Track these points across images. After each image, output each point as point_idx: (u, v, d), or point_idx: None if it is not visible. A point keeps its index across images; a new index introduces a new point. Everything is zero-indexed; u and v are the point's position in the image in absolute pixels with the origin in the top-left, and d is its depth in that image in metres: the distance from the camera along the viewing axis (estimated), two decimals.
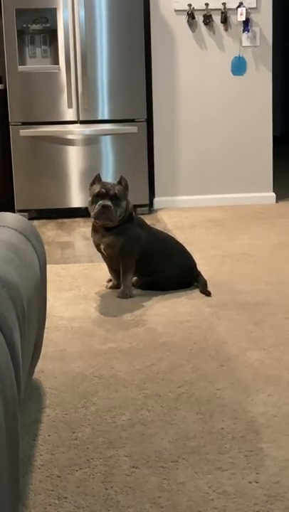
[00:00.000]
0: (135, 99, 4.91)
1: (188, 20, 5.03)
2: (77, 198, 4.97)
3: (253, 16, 5.06)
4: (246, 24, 5.03)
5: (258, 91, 5.16)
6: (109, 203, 3.02)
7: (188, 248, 3.37)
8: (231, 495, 1.65)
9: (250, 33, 5.07)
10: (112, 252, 3.15)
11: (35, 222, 4.78)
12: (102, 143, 4.93)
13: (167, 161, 5.19)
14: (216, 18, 5.04)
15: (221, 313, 2.89)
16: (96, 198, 3.06)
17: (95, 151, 4.94)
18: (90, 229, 3.24)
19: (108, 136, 4.93)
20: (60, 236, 4.45)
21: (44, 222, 4.86)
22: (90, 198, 3.11)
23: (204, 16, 5.02)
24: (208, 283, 3.21)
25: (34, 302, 1.78)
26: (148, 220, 3.77)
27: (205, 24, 5.04)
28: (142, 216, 3.45)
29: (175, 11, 5.03)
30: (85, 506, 1.62)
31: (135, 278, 3.22)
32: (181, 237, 4.01)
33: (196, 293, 3.16)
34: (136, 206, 4.04)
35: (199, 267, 3.32)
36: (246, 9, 5.00)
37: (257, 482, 1.70)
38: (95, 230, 3.18)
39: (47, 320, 2.53)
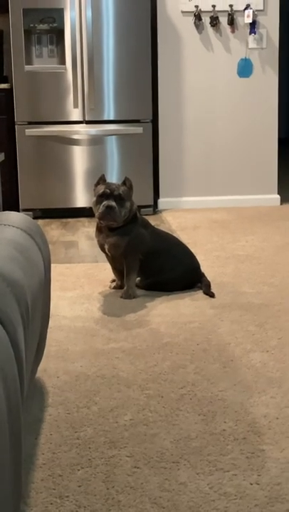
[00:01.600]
0: (141, 100, 4.91)
1: (194, 22, 5.04)
2: (81, 198, 4.98)
3: (260, 18, 5.06)
4: (253, 26, 5.03)
5: (264, 93, 5.16)
6: (113, 203, 3.03)
7: (192, 249, 3.37)
8: (232, 496, 1.65)
9: (256, 35, 5.07)
10: (116, 253, 3.15)
11: (40, 222, 4.78)
12: (108, 143, 4.94)
13: (172, 162, 5.20)
14: (223, 20, 5.05)
15: (224, 315, 2.89)
16: (100, 198, 3.07)
17: (100, 151, 4.94)
18: (94, 229, 3.25)
19: (114, 137, 4.93)
20: (64, 235, 4.46)
21: (48, 221, 4.87)
22: (94, 198, 3.12)
23: (211, 17, 5.02)
24: (211, 284, 3.21)
25: (38, 301, 1.78)
26: (152, 220, 3.77)
27: (212, 26, 5.05)
28: (146, 217, 3.45)
29: (182, 12, 5.03)
30: (86, 505, 1.62)
31: (139, 278, 3.23)
32: (185, 238, 4.01)
33: (199, 294, 3.16)
34: (140, 207, 4.04)
35: (203, 268, 3.32)
36: (253, 11, 5.00)
37: (258, 484, 1.70)
38: (99, 230, 3.19)
39: (50, 319, 2.54)
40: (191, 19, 5.04)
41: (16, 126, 4.88)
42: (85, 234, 4.47)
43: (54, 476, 1.74)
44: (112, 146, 4.95)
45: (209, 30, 5.07)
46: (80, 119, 4.91)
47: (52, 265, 2.26)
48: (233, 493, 1.66)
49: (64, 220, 4.92)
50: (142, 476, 1.74)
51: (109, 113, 4.92)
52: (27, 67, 4.83)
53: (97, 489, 1.68)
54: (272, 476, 1.73)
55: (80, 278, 3.45)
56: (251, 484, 1.70)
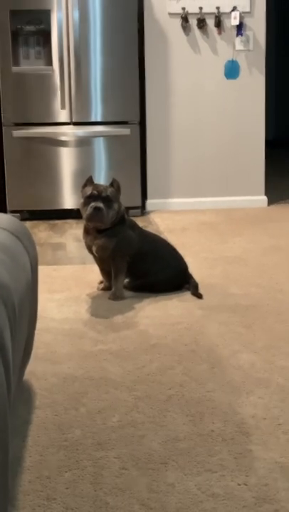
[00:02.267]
0: (128, 101, 4.91)
1: (182, 24, 5.04)
2: (69, 200, 4.97)
3: (247, 20, 5.08)
4: (240, 28, 5.05)
5: (251, 95, 5.18)
6: (101, 205, 3.02)
7: (180, 251, 3.37)
8: (220, 497, 1.65)
9: (243, 37, 5.08)
10: (103, 254, 3.15)
11: (28, 223, 4.77)
12: (95, 145, 4.94)
13: (160, 163, 5.20)
14: (210, 22, 5.06)
15: (212, 316, 2.89)
16: (88, 199, 3.06)
17: (87, 152, 4.94)
18: (82, 231, 3.24)
19: (101, 138, 4.93)
20: (52, 237, 4.45)
21: (36, 223, 4.86)
22: (82, 200, 3.12)
23: (198, 19, 5.03)
24: (199, 285, 3.22)
25: (25, 303, 1.78)
26: (140, 222, 3.77)
27: (199, 28, 5.06)
28: (134, 218, 3.45)
29: (169, 14, 5.04)
30: (74, 507, 1.62)
31: (127, 280, 3.23)
32: (173, 240, 4.02)
33: (187, 295, 3.17)
34: (128, 208, 4.05)
35: (191, 270, 3.32)
36: (240, 13, 5.02)
37: (246, 484, 1.70)
38: (86, 231, 3.18)
39: (38, 321, 2.53)
40: (178, 21, 5.05)
41: (3, 128, 4.87)
42: (72, 236, 4.46)
43: (42, 478, 1.74)
44: (100, 147, 4.95)
45: (196, 32, 5.08)
46: (68, 121, 4.90)
47: (39, 267, 2.25)
48: (221, 494, 1.66)
49: (52, 221, 4.91)
50: (129, 478, 1.74)
51: (97, 114, 4.92)
52: (14, 69, 4.82)
53: (85, 491, 1.68)
54: (260, 477, 1.73)
55: (68, 280, 3.44)
56: (239, 485, 1.70)
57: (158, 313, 2.94)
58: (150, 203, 5.23)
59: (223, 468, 1.77)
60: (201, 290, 3.18)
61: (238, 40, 5.09)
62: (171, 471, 1.76)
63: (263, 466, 1.78)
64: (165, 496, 1.66)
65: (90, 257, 3.32)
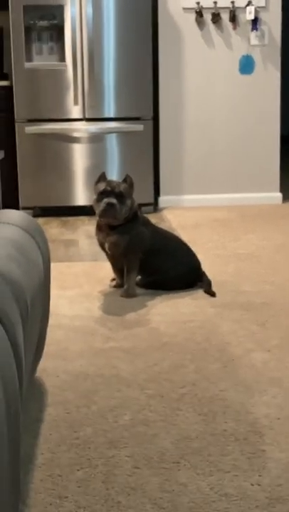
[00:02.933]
0: (141, 97, 4.89)
1: (196, 19, 5.01)
2: (81, 196, 4.96)
3: (262, 15, 5.04)
4: (255, 23, 5.01)
5: (266, 90, 5.14)
6: (114, 200, 3.01)
7: (193, 248, 3.35)
8: (233, 497, 1.64)
9: (258, 32, 5.05)
10: (116, 251, 3.14)
11: (40, 220, 4.77)
12: (108, 141, 4.92)
13: (173, 159, 5.18)
14: (225, 17, 5.03)
15: (224, 314, 2.87)
16: (101, 195, 3.05)
17: (100, 148, 4.92)
18: (95, 227, 3.23)
19: (114, 134, 4.91)
20: (64, 234, 4.44)
21: (48, 219, 4.85)
22: (95, 196, 3.10)
23: (212, 14, 5.00)
24: (212, 283, 3.19)
25: (37, 300, 1.77)
26: (153, 218, 3.76)
27: (213, 22, 5.02)
28: (146, 215, 3.44)
29: (183, 8, 5.01)
30: (86, 506, 1.61)
31: (139, 277, 3.21)
32: (185, 237, 3.99)
33: (199, 293, 3.15)
34: (141, 205, 4.02)
35: (203, 267, 3.30)
36: (255, 8, 4.98)
37: (259, 484, 1.68)
38: (99, 228, 3.17)
39: (50, 318, 2.52)
40: (193, 16, 5.02)
41: (15, 124, 4.86)
42: (84, 232, 4.45)
43: (53, 476, 1.73)
44: (113, 143, 4.93)
45: (211, 26, 5.05)
46: (80, 117, 4.89)
47: (51, 264, 2.24)
48: (233, 494, 1.65)
49: (64, 218, 4.90)
50: (141, 477, 1.72)
51: (110, 110, 4.90)
52: (27, 65, 4.81)
53: (97, 490, 1.67)
54: (273, 477, 1.71)
55: (80, 277, 3.43)
56: (252, 485, 1.68)
57: (170, 311, 2.92)
58: (163, 199, 5.21)
59: (235, 468, 1.76)
60: (213, 287, 3.16)
61: (253, 34, 5.05)
62: (183, 471, 1.75)
63: (277, 467, 1.76)
64: (177, 496, 1.65)
65: (102, 254, 3.31)
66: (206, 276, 3.23)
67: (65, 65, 4.82)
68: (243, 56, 5.09)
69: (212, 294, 3.11)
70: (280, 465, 1.77)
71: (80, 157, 4.92)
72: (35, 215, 4.87)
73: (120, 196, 3.03)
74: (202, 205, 5.15)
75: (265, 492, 1.65)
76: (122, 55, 4.84)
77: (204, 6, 4.99)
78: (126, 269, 3.14)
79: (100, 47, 4.81)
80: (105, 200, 3.02)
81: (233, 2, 4.99)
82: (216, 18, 5.00)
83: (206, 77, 5.10)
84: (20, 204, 4.94)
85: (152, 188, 5.01)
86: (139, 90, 4.88)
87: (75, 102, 4.84)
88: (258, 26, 5.03)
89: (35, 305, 1.70)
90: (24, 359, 1.44)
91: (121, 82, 4.87)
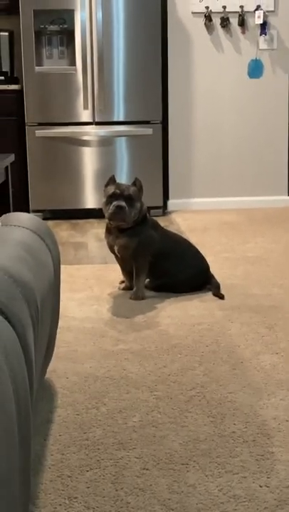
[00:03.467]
0: (151, 101, 4.91)
1: (205, 23, 5.03)
2: (91, 199, 4.98)
3: (271, 19, 5.05)
4: (263, 27, 5.03)
5: (275, 94, 5.15)
6: (123, 203, 3.03)
7: (202, 251, 3.36)
8: (241, 498, 1.65)
9: (267, 36, 5.06)
10: (125, 254, 3.15)
11: (49, 223, 4.79)
12: (117, 144, 4.94)
13: (182, 163, 5.19)
14: (234, 21, 5.04)
15: (233, 317, 2.88)
16: (110, 198, 3.07)
17: (109, 152, 4.95)
18: (104, 230, 3.25)
19: (123, 138, 4.93)
20: (73, 237, 4.46)
21: (58, 222, 4.87)
22: (104, 199, 3.12)
23: (221, 18, 5.02)
24: (221, 286, 3.20)
25: (48, 302, 1.78)
26: (162, 222, 3.77)
27: (222, 27, 5.04)
28: (155, 218, 3.45)
29: (192, 13, 5.03)
30: (95, 507, 1.62)
31: (148, 280, 3.22)
32: (194, 240, 4.00)
33: (208, 296, 3.16)
34: (150, 208, 4.04)
35: (212, 270, 3.31)
36: (264, 12, 4.99)
37: (267, 486, 1.69)
38: (108, 231, 3.19)
39: (59, 320, 2.54)
40: (202, 20, 5.03)
41: (26, 127, 4.89)
42: (94, 235, 4.47)
43: (63, 477, 1.74)
44: (122, 147, 4.95)
45: (220, 31, 5.06)
46: (90, 120, 4.91)
47: (61, 266, 2.26)
48: (242, 496, 1.66)
49: (73, 221, 4.92)
50: (150, 478, 1.73)
51: (119, 114, 4.92)
52: (37, 69, 4.84)
53: (106, 491, 1.68)
54: (282, 479, 1.72)
55: (89, 279, 3.45)
56: (261, 487, 1.69)
57: (179, 314, 2.93)
58: (172, 202, 5.22)
59: (244, 470, 1.76)
60: (222, 290, 3.17)
61: (261, 39, 5.07)
62: (192, 472, 1.76)
63: (285, 468, 1.77)
64: (186, 497, 1.66)
65: (112, 257, 3.33)
66: (215, 279, 3.24)
67: (75, 69, 4.85)
68: (252, 60, 5.10)
69: (221, 297, 3.12)
70: None
71: (89, 160, 4.95)
72: (45, 218, 4.89)
73: (129, 199, 3.05)
74: (211, 209, 5.16)
75: (274, 494, 1.66)
76: (131, 59, 4.86)
77: (213, 11, 5.01)
78: (135, 272, 3.15)
79: (110, 51, 4.84)
80: (114, 203, 3.03)
81: (242, 6, 5.00)
82: (224, 22, 5.02)
83: (214, 81, 5.11)
84: (31, 207, 4.96)
85: (161, 191, 5.02)
86: (148, 94, 4.90)
87: (85, 106, 4.87)
88: (266, 30, 5.04)
89: (45, 307, 1.72)
90: (34, 361, 1.46)
91: (130, 86, 4.89)
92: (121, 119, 4.93)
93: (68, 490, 1.69)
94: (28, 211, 4.89)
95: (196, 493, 1.67)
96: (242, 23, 5.03)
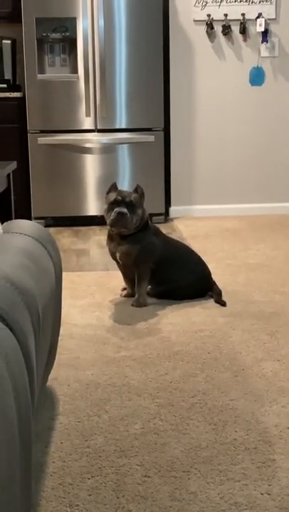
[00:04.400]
0: (153, 109, 4.92)
1: (207, 31, 5.05)
2: (93, 206, 4.99)
3: (272, 27, 5.07)
4: (265, 35, 5.04)
5: (276, 101, 5.16)
6: (125, 210, 3.03)
7: (204, 257, 3.36)
8: (243, 506, 1.64)
9: (268, 44, 5.07)
10: (127, 261, 3.16)
11: (52, 230, 4.80)
12: (119, 151, 4.96)
13: (184, 170, 5.20)
14: (235, 29, 5.06)
15: (235, 323, 2.88)
16: (112, 205, 3.07)
17: (112, 159, 4.96)
18: (106, 237, 3.25)
19: (125, 145, 4.95)
20: (75, 244, 4.47)
21: (60, 229, 4.88)
22: (106, 206, 3.13)
23: (223, 26, 5.04)
24: (222, 292, 3.20)
25: (49, 309, 1.79)
26: (163, 228, 3.77)
27: (224, 34, 5.06)
28: (157, 225, 3.46)
29: (194, 21, 5.05)
30: None
31: (150, 287, 3.23)
32: (196, 247, 4.01)
33: (210, 302, 3.16)
34: (152, 215, 4.05)
35: (214, 277, 3.31)
36: (265, 20, 5.01)
37: (269, 494, 1.69)
38: (110, 238, 3.19)
39: (61, 327, 2.54)
40: (203, 28, 5.05)
41: (28, 135, 4.91)
42: (96, 242, 4.48)
43: (64, 484, 1.74)
44: (124, 154, 4.96)
45: (221, 38, 5.08)
46: (92, 128, 4.92)
47: (63, 273, 2.26)
48: (243, 503, 1.65)
49: (75, 228, 4.93)
50: (152, 485, 1.73)
51: (121, 121, 4.94)
52: (39, 76, 4.86)
53: (108, 498, 1.68)
54: (283, 486, 1.72)
55: (91, 286, 3.45)
56: (262, 494, 1.69)
57: (181, 320, 2.94)
58: (174, 209, 5.23)
59: (245, 477, 1.76)
60: (224, 297, 3.17)
61: (263, 46, 5.08)
62: (193, 480, 1.76)
63: (286, 476, 1.76)
64: (187, 505, 1.65)
65: (113, 264, 3.33)
66: (217, 286, 3.24)
67: (77, 77, 4.86)
68: (254, 68, 5.12)
69: (223, 304, 3.12)
70: None
71: (91, 168, 4.96)
72: (47, 225, 4.90)
73: (131, 206, 3.05)
74: (213, 215, 5.16)
75: (275, 501, 1.66)
76: (133, 67, 4.88)
77: (215, 18, 5.03)
78: (137, 279, 3.15)
79: (112, 59, 4.86)
80: (116, 209, 3.04)
81: (243, 14, 5.02)
82: (226, 30, 5.04)
83: (216, 89, 5.13)
84: (33, 214, 4.97)
85: (163, 198, 5.03)
86: (150, 101, 4.91)
87: (87, 113, 4.88)
88: (268, 38, 5.06)
89: (46, 314, 1.72)
90: (36, 368, 1.46)
91: (132, 94, 4.90)
92: (123, 126, 4.94)
93: (70, 497, 1.69)
94: (30, 218, 4.90)
95: (198, 501, 1.67)
96: (243, 30, 5.04)
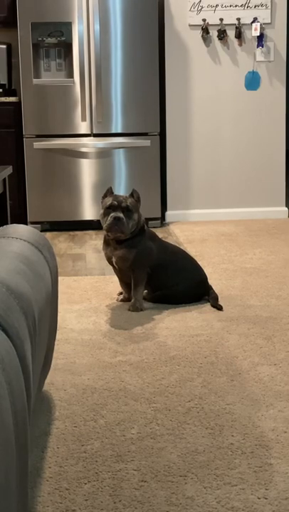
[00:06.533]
0: (149, 113, 4.93)
1: (202, 35, 5.06)
2: (89, 211, 4.99)
3: (268, 31, 5.08)
4: (260, 39, 5.05)
5: (272, 106, 5.17)
6: (121, 214, 3.03)
7: (200, 262, 3.36)
8: (240, 510, 1.64)
9: (264, 48, 5.08)
10: (123, 265, 3.16)
11: (48, 235, 4.79)
12: (115, 156, 4.96)
13: (180, 174, 5.21)
14: (231, 33, 5.07)
15: (231, 328, 2.88)
16: (108, 210, 3.07)
17: (107, 164, 4.96)
18: (102, 242, 3.25)
19: (121, 150, 4.95)
20: (71, 248, 4.46)
21: (56, 234, 4.88)
22: (102, 211, 3.13)
23: (218, 30, 5.05)
24: (219, 297, 3.20)
25: (45, 314, 1.79)
26: (160, 233, 3.77)
27: (219, 39, 5.07)
28: (153, 229, 3.46)
29: (189, 25, 5.06)
30: None
31: (146, 291, 3.23)
32: (192, 251, 4.01)
33: (207, 307, 3.16)
34: (148, 219, 4.05)
35: (210, 281, 3.31)
36: (260, 24, 5.02)
37: (266, 498, 1.69)
38: (106, 243, 3.19)
39: (57, 332, 2.54)
40: (199, 32, 5.06)
41: (24, 139, 4.91)
42: (92, 247, 4.47)
43: (61, 489, 1.74)
44: (120, 158, 4.97)
45: (217, 43, 5.09)
46: (88, 132, 4.93)
47: (59, 278, 2.26)
48: (240, 508, 1.65)
49: (72, 232, 4.93)
50: (149, 490, 1.73)
51: (117, 126, 4.94)
52: (35, 81, 4.86)
53: (104, 503, 1.68)
54: (280, 491, 1.72)
55: (88, 291, 3.45)
56: (259, 498, 1.69)
57: (177, 325, 2.93)
58: (170, 214, 5.23)
59: (242, 482, 1.76)
60: (220, 301, 3.17)
61: (258, 51, 5.09)
62: (190, 484, 1.75)
63: (283, 480, 1.76)
64: (184, 509, 1.65)
65: (110, 268, 3.33)
66: (213, 290, 3.24)
67: (73, 82, 4.87)
68: (249, 72, 5.13)
69: (219, 308, 3.12)
70: (287, 478, 1.77)
71: (87, 172, 4.96)
72: (43, 230, 4.90)
73: (127, 210, 3.05)
74: (209, 220, 5.17)
75: (272, 505, 1.66)
76: (129, 72, 4.89)
77: (210, 23, 5.04)
78: (133, 283, 3.15)
79: (108, 63, 4.86)
80: (112, 214, 3.04)
81: (238, 19, 5.03)
82: (221, 34, 5.05)
83: (212, 94, 5.14)
84: (29, 219, 4.97)
85: (159, 203, 5.03)
86: (146, 106, 4.92)
87: (83, 118, 4.88)
88: (263, 43, 5.07)
89: (43, 319, 1.72)
90: (32, 373, 1.46)
91: (128, 98, 4.91)
92: (119, 130, 4.94)
93: (66, 502, 1.68)
94: (26, 223, 4.89)
95: (195, 505, 1.66)
96: (239, 35, 5.06)
